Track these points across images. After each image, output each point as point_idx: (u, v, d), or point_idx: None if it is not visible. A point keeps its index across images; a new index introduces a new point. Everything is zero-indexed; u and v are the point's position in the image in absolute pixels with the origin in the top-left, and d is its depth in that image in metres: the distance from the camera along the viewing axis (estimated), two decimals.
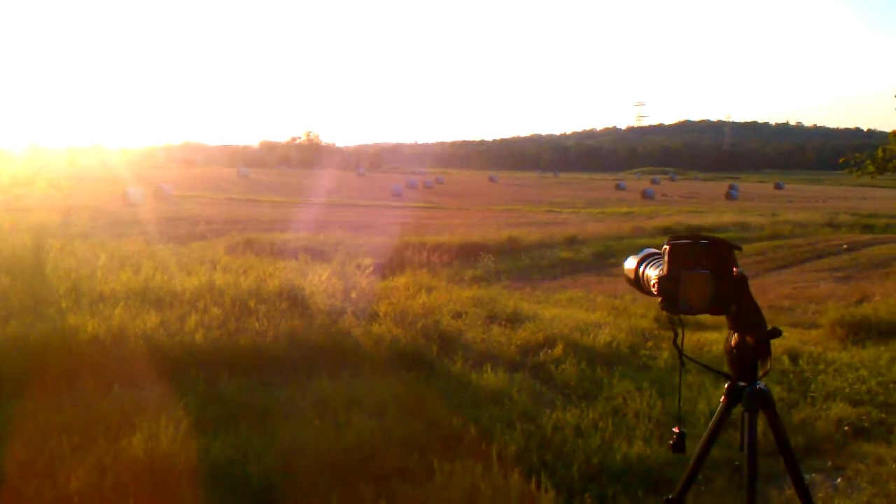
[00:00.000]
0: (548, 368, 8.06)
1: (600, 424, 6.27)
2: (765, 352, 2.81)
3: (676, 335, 2.89)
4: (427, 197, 73.34)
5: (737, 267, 2.74)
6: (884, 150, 12.95)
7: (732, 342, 2.84)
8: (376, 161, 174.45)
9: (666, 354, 9.03)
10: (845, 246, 29.79)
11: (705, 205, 65.05)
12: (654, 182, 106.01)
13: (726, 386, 2.96)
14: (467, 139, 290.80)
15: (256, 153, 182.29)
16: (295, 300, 9.20)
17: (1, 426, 5.21)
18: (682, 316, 2.84)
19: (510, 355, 8.38)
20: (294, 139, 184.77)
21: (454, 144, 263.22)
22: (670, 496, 3.13)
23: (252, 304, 8.68)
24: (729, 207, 59.64)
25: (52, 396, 5.81)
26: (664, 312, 8.99)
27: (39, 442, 4.82)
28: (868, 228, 38.88)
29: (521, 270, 25.21)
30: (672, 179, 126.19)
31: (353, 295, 10.27)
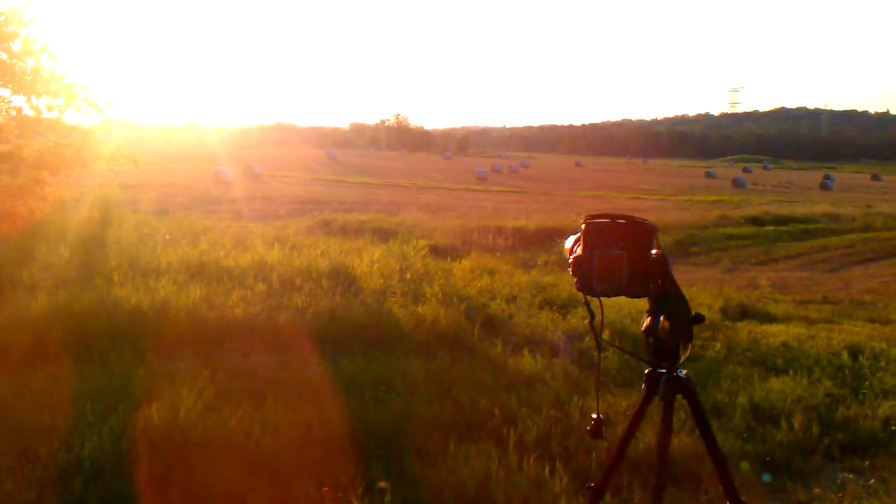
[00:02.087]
0: (590, 355, 7.94)
1: (630, 413, 6.14)
2: (686, 337, 2.67)
3: (593, 317, 2.76)
4: (511, 181, 73.01)
5: (658, 248, 2.61)
6: None
7: (645, 325, 2.70)
8: (464, 144, 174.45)
9: (718, 345, 8.81)
10: None
11: (798, 195, 63.33)
12: (746, 170, 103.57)
13: (646, 373, 2.81)
14: (556, 123, 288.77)
15: (346, 135, 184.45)
16: (344, 279, 9.26)
17: (33, 391, 5.37)
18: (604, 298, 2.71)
19: (554, 340, 8.28)
20: (383, 122, 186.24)
21: (542, 129, 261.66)
22: (591, 483, 2.98)
23: (298, 281, 8.79)
24: (822, 198, 57.92)
25: (87, 364, 5.97)
26: (727, 302, 8.82)
27: (65, 407, 4.95)
28: None
29: None
30: (765, 168, 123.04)
31: (408, 276, 10.29)
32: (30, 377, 5.60)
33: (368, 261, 10.34)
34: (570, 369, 7.29)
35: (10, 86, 16.02)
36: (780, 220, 35.06)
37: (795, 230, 32.84)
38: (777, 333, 9.96)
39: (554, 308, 9.99)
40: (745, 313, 12.49)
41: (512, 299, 10.33)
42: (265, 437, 4.99)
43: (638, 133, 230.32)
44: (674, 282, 2.63)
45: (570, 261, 2.67)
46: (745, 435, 5.92)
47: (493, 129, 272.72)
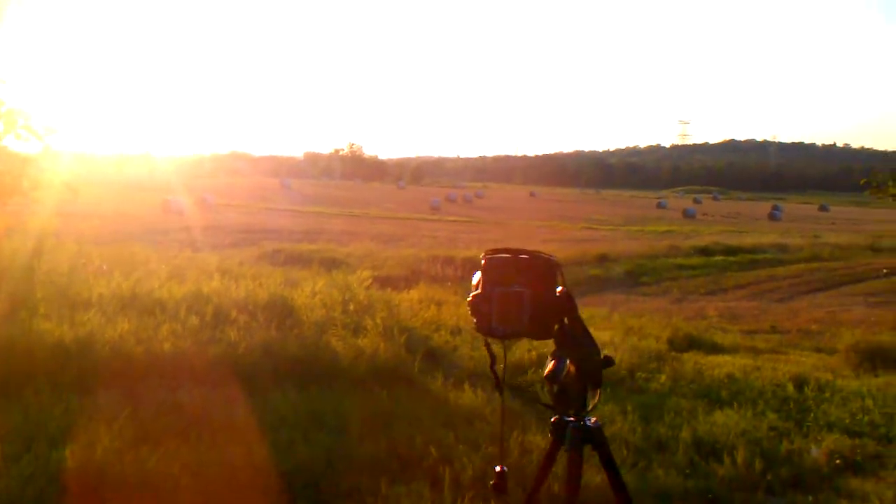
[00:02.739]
0: (534, 388, 7.77)
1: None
2: (595, 382, 2.48)
3: (493, 360, 2.55)
4: (465, 211, 73.20)
5: (563, 285, 2.41)
6: None
7: (547, 370, 2.53)
8: (418, 174, 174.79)
9: (664, 377, 8.70)
10: (885, 270, 29.07)
11: (747, 225, 64.19)
12: (696, 201, 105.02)
13: (552, 421, 2.61)
14: (510, 154, 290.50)
15: (300, 164, 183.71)
16: (282, 311, 9.02)
17: None
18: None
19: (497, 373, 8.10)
20: (337, 151, 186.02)
21: (497, 159, 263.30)
22: None
23: (234, 313, 8.52)
24: (771, 228, 58.73)
25: (2, 401, 5.67)
26: (674, 332, 8.58)
27: None
28: None
29: None
30: (715, 199, 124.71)
31: (351, 307, 10.07)
32: None
33: (309, 292, 10.10)
34: (512, 404, 7.10)
35: None
36: (730, 251, 35.41)
37: (744, 260, 33.15)
38: (723, 365, 9.89)
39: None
40: (692, 344, 12.45)
41: (457, 331, 10.15)
42: (185, 477, 4.73)
43: (591, 164, 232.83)
44: (581, 322, 2.43)
45: (468, 299, 2.45)
46: (687, 471, 5.77)
47: (447, 160, 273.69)
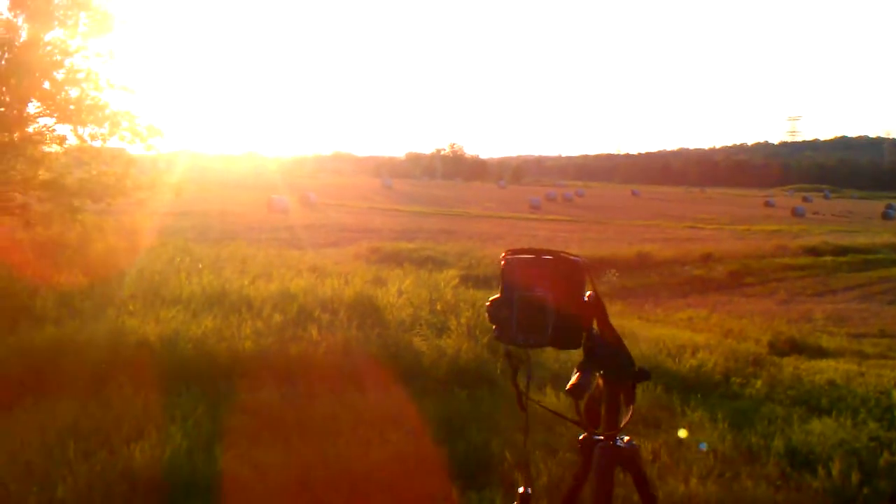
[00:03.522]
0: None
1: (663, 457, 5.75)
2: (629, 397, 2.23)
3: (515, 371, 2.31)
4: (565, 210, 72.51)
5: (592, 289, 2.17)
6: None
7: (571, 383, 2.22)
8: (518, 173, 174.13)
9: (759, 383, 8.33)
10: None
11: (859, 224, 61.84)
12: (805, 199, 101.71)
13: (580, 439, 2.37)
14: (612, 152, 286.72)
15: (402, 164, 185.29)
16: (367, 310, 8.99)
17: (23, 425, 5.17)
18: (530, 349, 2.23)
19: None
20: (439, 151, 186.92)
21: (598, 157, 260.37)
22: None
23: (317, 312, 8.52)
24: (884, 228, 56.42)
25: (86, 397, 5.76)
26: (776, 336, 8.10)
27: (50, 443, 4.72)
28: None
29: (648, 287, 24.45)
30: (826, 197, 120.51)
31: (438, 307, 9.99)
32: (25, 411, 5.41)
33: (396, 291, 10.06)
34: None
35: (55, 115, 16.22)
36: (840, 251, 34.17)
37: (855, 261, 31.95)
38: (825, 370, 9.45)
39: None
40: (794, 348, 11.96)
41: None
42: (254, 478, 4.70)
43: (695, 162, 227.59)
44: (612, 330, 2.19)
45: (486, 303, 2.23)
46: (778, 482, 5.47)
47: (548, 158, 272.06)
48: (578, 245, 32.64)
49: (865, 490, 5.39)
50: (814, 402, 7.65)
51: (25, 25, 16.01)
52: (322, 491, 4.73)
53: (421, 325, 8.80)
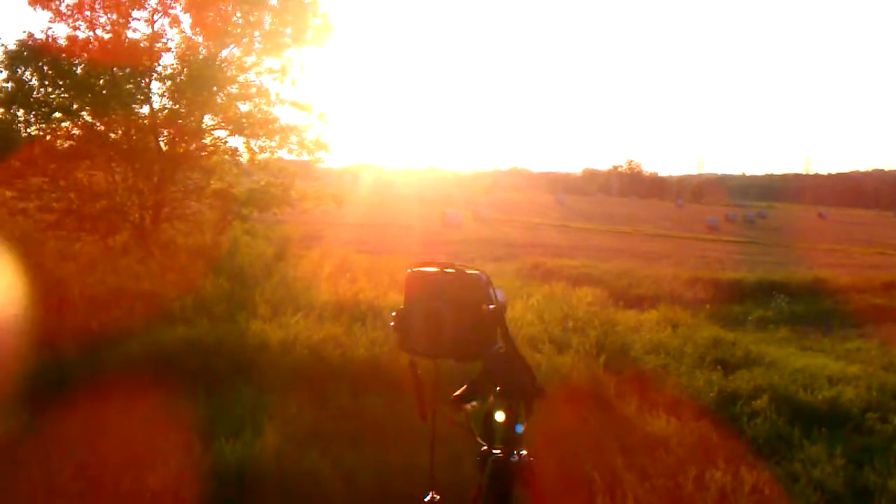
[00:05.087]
0: (740, 421, 7.27)
1: (765, 490, 5.52)
2: (527, 413, 2.21)
3: (418, 383, 2.32)
4: (745, 231, 70.08)
5: (493, 302, 2.17)
6: None
7: (458, 392, 2.25)
8: (698, 192, 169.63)
9: None
10: None
11: None
12: None
13: (479, 452, 2.34)
14: (798, 172, 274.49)
15: (578, 181, 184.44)
16: None
17: (133, 419, 5.54)
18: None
19: (704, 402, 7.65)
20: (615, 168, 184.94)
21: (784, 177, 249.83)
22: None
23: None
24: None
25: (203, 396, 6.11)
26: None
27: (151, 436, 5.06)
28: None
29: (819, 314, 23.27)
30: None
31: (570, 324, 9.94)
32: (137, 406, 5.79)
33: (522, 307, 10.07)
34: (708, 435, 6.68)
35: (229, 127, 17.20)
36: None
37: None
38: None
39: (722, 367, 9.29)
40: None
41: (679, 355, 9.73)
42: (340, 480, 4.86)
43: (891, 183, 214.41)
44: (513, 343, 2.20)
45: (391, 315, 2.30)
46: None
47: (730, 177, 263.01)
48: (749, 268, 31.51)
49: None
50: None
51: (205, 43, 17.12)
52: (402, 497, 4.83)
53: (544, 341, 8.78)
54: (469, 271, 2.22)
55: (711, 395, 7.88)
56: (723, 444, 6.56)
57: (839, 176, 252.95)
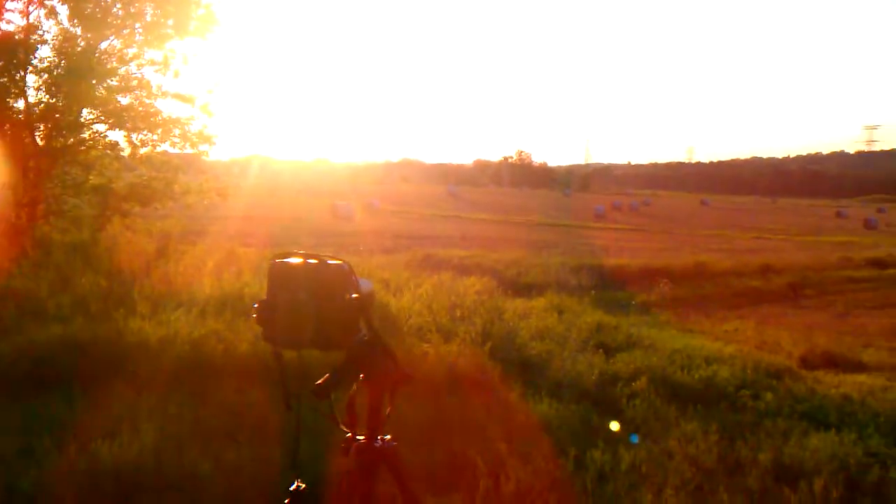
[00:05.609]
0: (620, 402, 7.49)
1: (642, 468, 5.70)
2: (391, 397, 2.28)
3: (283, 373, 2.34)
4: (630, 219, 71.85)
5: (357, 292, 2.21)
6: None
7: (321, 381, 2.26)
8: (586, 182, 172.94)
9: (770, 396, 8.16)
10: None
11: None
12: (880, 211, 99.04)
13: (344, 439, 2.40)
14: (681, 160, 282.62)
15: (469, 172, 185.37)
16: (380, 314, 9.05)
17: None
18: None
19: (586, 386, 7.84)
20: (506, 158, 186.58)
21: (668, 166, 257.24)
22: None
23: None
24: None
25: (76, 395, 5.95)
26: (811, 349, 8.12)
27: (24, 438, 4.90)
28: None
29: (701, 298, 24.08)
30: None
31: (458, 313, 10.03)
32: (8, 408, 5.61)
33: (410, 297, 10.11)
34: (590, 417, 6.86)
35: (109, 121, 16.67)
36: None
37: None
38: (845, 384, 9.24)
39: (605, 350, 9.54)
40: (830, 361, 11.66)
41: (563, 340, 9.93)
42: (220, 477, 4.80)
43: (768, 171, 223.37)
44: (377, 332, 2.25)
45: (254, 306, 2.30)
46: (755, 497, 5.38)
47: (616, 167, 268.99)
48: (633, 255, 32.36)
49: None
50: (821, 417, 7.48)
51: (83, 35, 16.52)
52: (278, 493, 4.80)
53: (432, 331, 8.84)
54: (331, 261, 2.22)
55: (593, 377, 8.08)
56: (602, 425, 6.75)
57: (720, 164, 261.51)
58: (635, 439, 6.07)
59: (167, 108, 16.95)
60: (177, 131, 16.92)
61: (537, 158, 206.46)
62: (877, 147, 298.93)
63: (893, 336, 18.19)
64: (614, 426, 6.51)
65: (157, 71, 16.69)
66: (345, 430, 2.36)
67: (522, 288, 19.14)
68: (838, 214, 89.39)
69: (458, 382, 7.36)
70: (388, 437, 2.34)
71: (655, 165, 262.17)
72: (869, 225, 72.00)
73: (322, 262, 2.20)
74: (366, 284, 2.36)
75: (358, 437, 2.34)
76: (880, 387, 9.29)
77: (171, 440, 5.15)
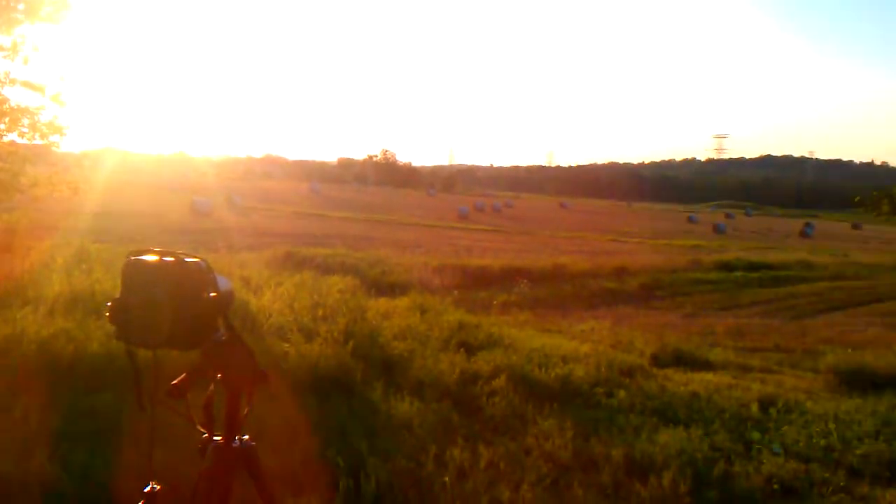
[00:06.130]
0: (480, 400, 7.60)
1: (500, 464, 5.80)
2: (248, 397, 2.29)
3: (138, 372, 2.32)
4: (493, 220, 72.93)
5: (215, 291, 2.20)
6: None
7: (177, 380, 2.28)
8: (450, 182, 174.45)
9: (623, 393, 8.45)
10: None
11: (777, 241, 63.45)
12: (728, 216, 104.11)
13: (201, 439, 2.39)
14: (543, 164, 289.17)
15: (333, 170, 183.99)
16: (238, 314, 8.89)
17: None
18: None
19: (446, 384, 7.91)
20: (370, 157, 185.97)
21: (529, 169, 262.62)
22: None
23: None
24: (801, 245, 57.92)
25: None
26: (661, 348, 8.36)
27: None
28: None
29: (560, 298, 24.70)
30: (747, 214, 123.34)
31: (320, 312, 9.94)
32: None
33: (271, 296, 9.98)
34: (451, 416, 6.93)
35: None
36: (752, 267, 34.88)
37: (766, 277, 32.67)
38: (694, 382, 9.66)
39: (466, 349, 9.66)
40: (679, 359, 12.16)
41: (426, 339, 10.00)
42: (70, 482, 4.62)
43: (625, 176, 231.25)
44: (235, 332, 2.23)
45: (108, 304, 2.24)
46: (609, 491, 5.56)
47: (480, 168, 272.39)
48: (495, 255, 32.85)
49: (688, 500, 5.51)
50: (670, 413, 7.80)
51: None
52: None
53: (293, 330, 8.74)
54: (189, 259, 2.16)
55: (454, 376, 8.16)
56: (463, 423, 6.83)
57: (579, 168, 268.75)
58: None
59: (15, 96, 16.17)
60: (25, 121, 16.18)
61: (402, 158, 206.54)
62: (725, 155, 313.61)
63: (738, 335, 19.16)
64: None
65: (5, 57, 15.90)
66: (202, 430, 2.32)
67: (386, 287, 19.20)
68: (689, 219, 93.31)
69: (319, 382, 7.30)
70: (247, 437, 2.30)
71: (517, 168, 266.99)
72: (717, 229, 75.51)
73: (179, 260, 2.14)
74: (224, 283, 2.32)
75: (215, 438, 2.29)
76: (726, 384, 9.75)
77: (16, 444, 4.91)
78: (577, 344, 12.03)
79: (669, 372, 10.81)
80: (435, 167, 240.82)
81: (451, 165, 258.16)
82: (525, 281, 25.60)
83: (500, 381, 8.05)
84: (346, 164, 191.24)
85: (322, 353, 7.83)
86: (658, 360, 11.78)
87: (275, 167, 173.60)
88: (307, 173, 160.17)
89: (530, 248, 41.39)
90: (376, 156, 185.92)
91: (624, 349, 12.46)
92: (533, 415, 7.16)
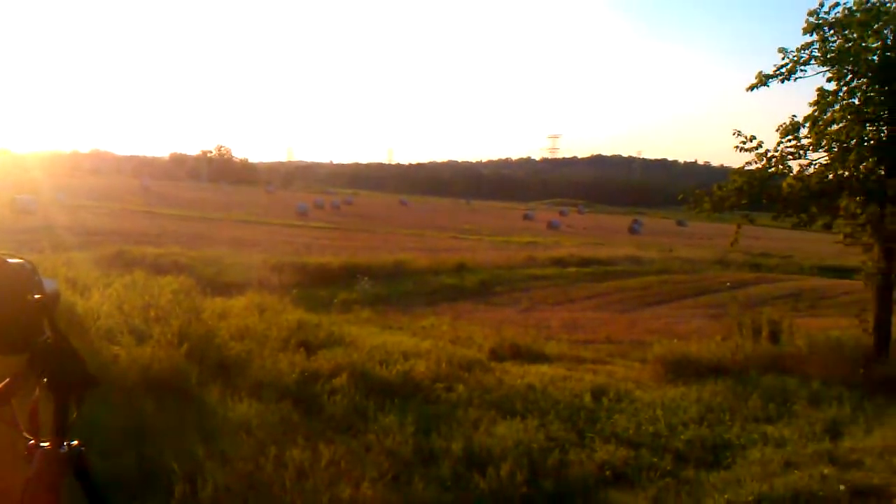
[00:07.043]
0: (320, 399, 7.56)
1: (341, 462, 5.78)
2: (76, 401, 2.24)
3: None
4: (333, 218, 72.55)
5: (40, 293, 2.15)
6: (720, 188, 12.74)
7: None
8: (288, 179, 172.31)
9: (462, 388, 8.60)
10: (728, 284, 30.08)
11: (606, 238, 65.82)
12: (561, 213, 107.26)
13: (28, 446, 2.33)
14: (383, 162, 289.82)
15: (165, 165, 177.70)
16: (64, 316, 8.49)
17: None
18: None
19: (286, 384, 7.84)
20: (205, 153, 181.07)
21: (369, 166, 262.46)
22: None
23: None
24: (629, 241, 60.30)
25: None
26: (499, 342, 8.37)
27: None
28: (756, 267, 39.48)
29: (401, 295, 24.86)
30: (580, 212, 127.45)
31: (152, 314, 9.62)
32: None
33: (100, 297, 9.59)
34: (291, 416, 6.86)
35: None
36: (584, 262, 36.06)
37: (597, 272, 33.83)
38: (530, 375, 9.93)
39: (306, 348, 9.58)
40: (516, 353, 12.47)
41: (264, 340, 9.86)
42: None
43: (464, 175, 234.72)
44: (61, 334, 2.16)
45: None
46: (448, 484, 5.65)
47: (319, 165, 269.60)
48: (337, 253, 32.70)
49: (525, 489, 5.66)
50: (508, 406, 7.99)
51: None
52: None
53: (124, 332, 8.43)
54: (11, 260, 2.05)
55: (294, 376, 8.09)
56: (303, 423, 6.78)
57: (418, 166, 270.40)
58: None
59: None
60: None
61: (238, 154, 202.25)
62: (559, 154, 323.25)
63: (572, 329, 19.82)
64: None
65: None
66: (28, 436, 2.19)
67: (222, 287, 18.76)
68: (526, 216, 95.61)
69: (152, 385, 7.07)
70: (76, 442, 2.19)
71: (357, 166, 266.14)
72: (552, 226, 77.82)
73: (1, 261, 2.03)
74: (50, 284, 2.21)
75: (42, 444, 2.17)
76: (560, 376, 10.07)
77: None
78: (418, 340, 12.16)
79: (507, 365, 11.06)
80: (273, 164, 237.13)
81: (290, 162, 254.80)
82: (366, 278, 25.62)
83: (341, 380, 8.04)
84: (179, 160, 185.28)
85: (155, 355, 7.58)
86: (496, 355, 12.05)
87: (103, 162, 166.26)
88: (137, 169, 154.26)
89: (371, 245, 41.44)
90: (211, 151, 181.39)
91: (463, 344, 12.68)
92: (374, 412, 7.19)
